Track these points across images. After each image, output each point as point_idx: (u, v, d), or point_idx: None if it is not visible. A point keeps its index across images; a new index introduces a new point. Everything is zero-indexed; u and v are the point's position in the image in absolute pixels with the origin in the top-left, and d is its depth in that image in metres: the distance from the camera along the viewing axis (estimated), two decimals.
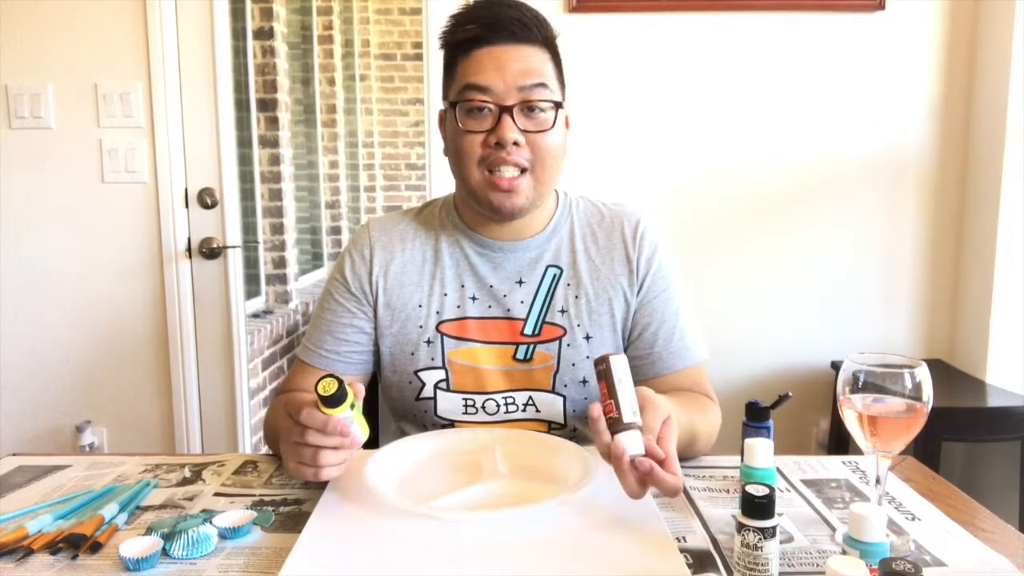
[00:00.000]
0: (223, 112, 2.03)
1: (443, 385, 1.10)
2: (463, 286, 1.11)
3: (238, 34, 2.76)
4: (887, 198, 2.24)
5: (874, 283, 2.27)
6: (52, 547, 0.77)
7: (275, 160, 3.14)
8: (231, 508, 0.86)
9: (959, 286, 2.26)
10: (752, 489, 0.69)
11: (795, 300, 2.27)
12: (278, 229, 3.20)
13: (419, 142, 4.87)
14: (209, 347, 2.10)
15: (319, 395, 0.80)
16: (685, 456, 0.95)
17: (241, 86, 2.74)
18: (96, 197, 2.04)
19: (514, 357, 1.09)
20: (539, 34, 1.04)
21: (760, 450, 0.84)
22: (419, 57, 4.77)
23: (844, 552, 0.69)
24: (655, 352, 1.09)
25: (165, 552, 0.75)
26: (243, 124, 2.74)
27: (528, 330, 1.09)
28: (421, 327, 1.10)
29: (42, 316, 2.08)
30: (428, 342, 1.10)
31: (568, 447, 0.95)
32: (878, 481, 0.79)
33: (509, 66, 1.01)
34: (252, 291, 3.02)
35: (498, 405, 1.09)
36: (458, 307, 1.10)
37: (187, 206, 2.06)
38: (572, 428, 1.10)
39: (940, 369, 2.22)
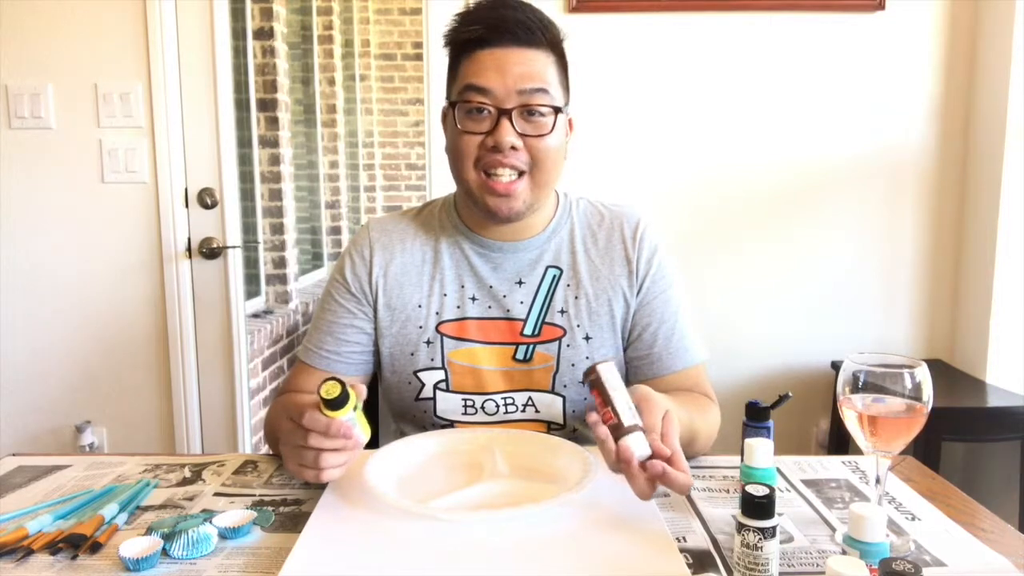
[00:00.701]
0: (223, 112, 2.03)
1: (443, 385, 1.10)
2: (463, 286, 1.11)
3: (238, 34, 2.77)
4: (887, 198, 2.24)
5: (874, 283, 2.27)
6: (52, 547, 0.77)
7: (275, 160, 3.14)
8: (231, 508, 0.86)
9: (959, 286, 2.26)
10: (752, 489, 0.70)
11: (795, 300, 2.27)
12: (278, 229, 3.20)
13: (419, 142, 4.88)
14: (209, 347, 2.10)
15: (322, 398, 0.80)
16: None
17: (241, 86, 2.74)
18: (96, 197, 2.04)
19: (514, 357, 1.09)
20: (543, 37, 1.03)
21: (760, 450, 0.84)
22: (419, 57, 4.77)
23: (844, 552, 0.69)
24: (655, 353, 1.09)
25: (165, 552, 0.75)
26: (243, 124, 2.74)
27: (528, 331, 1.09)
28: (421, 327, 1.10)
29: (42, 316, 2.07)
30: (428, 342, 1.10)
31: (568, 447, 0.95)
32: (878, 481, 0.79)
33: (510, 69, 1.00)
34: (252, 291, 3.02)
35: (497, 405, 1.09)
36: (458, 307, 1.10)
37: (187, 206, 2.06)
38: (571, 428, 1.10)
39: (940, 369, 2.22)
